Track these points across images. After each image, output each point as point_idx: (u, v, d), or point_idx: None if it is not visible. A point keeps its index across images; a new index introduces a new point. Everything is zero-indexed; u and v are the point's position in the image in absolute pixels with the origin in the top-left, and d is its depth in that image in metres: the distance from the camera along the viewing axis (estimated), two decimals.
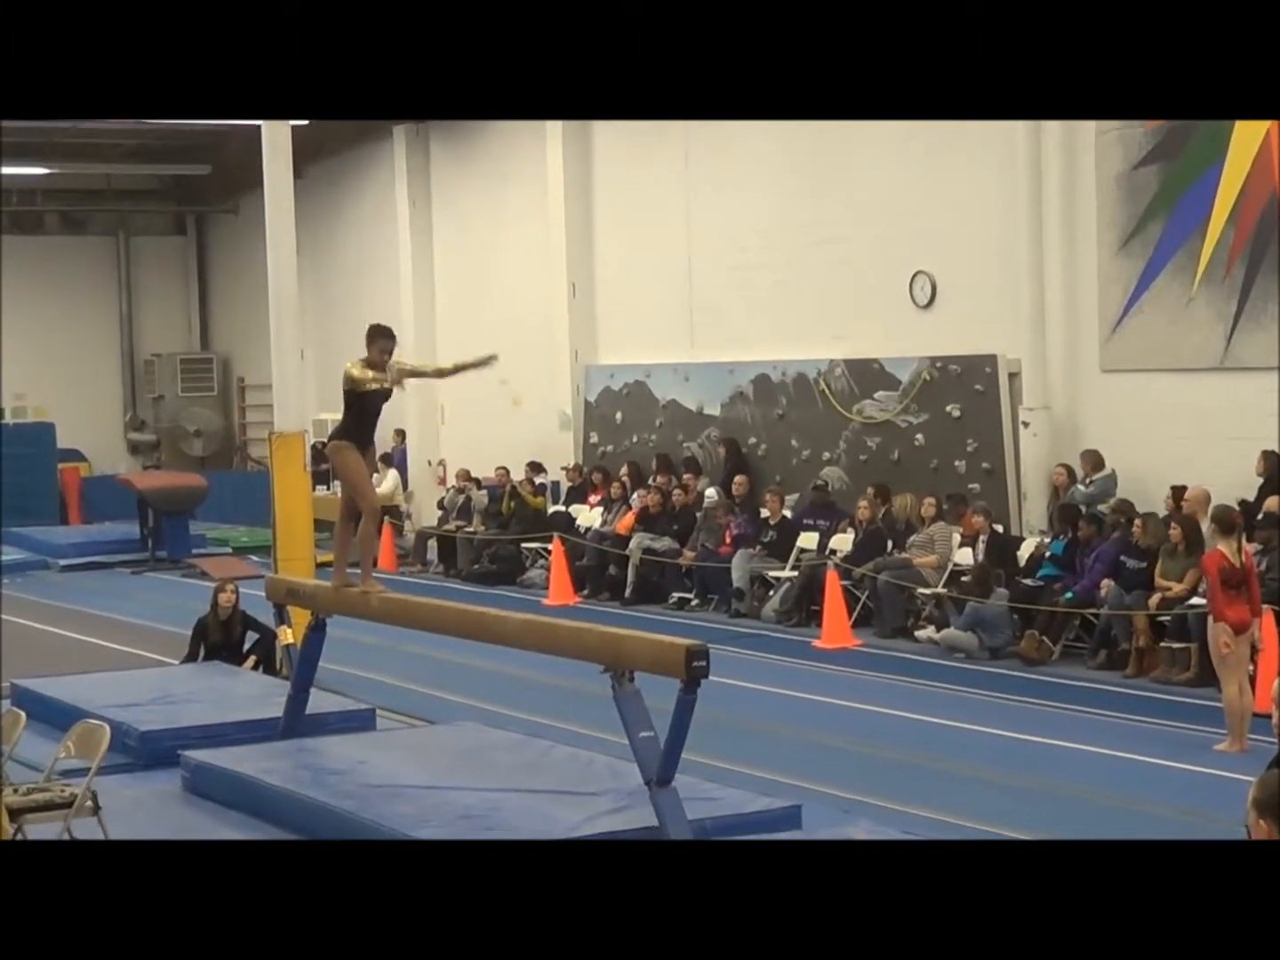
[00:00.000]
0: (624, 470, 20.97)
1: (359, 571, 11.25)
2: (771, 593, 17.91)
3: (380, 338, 10.89)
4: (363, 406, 10.88)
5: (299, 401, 15.17)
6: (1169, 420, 15.58)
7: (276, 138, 15.10)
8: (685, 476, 20.17)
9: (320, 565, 11.38)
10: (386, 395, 11.00)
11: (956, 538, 16.56)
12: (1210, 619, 11.96)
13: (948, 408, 17.48)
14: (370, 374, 10.75)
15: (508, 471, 22.26)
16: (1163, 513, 14.91)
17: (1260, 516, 14.11)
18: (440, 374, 12.65)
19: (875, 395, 18.33)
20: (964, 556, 16.34)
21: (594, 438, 22.27)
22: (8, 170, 29.07)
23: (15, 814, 8.72)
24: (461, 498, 22.72)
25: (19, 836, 8.77)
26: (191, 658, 14.24)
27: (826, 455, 18.96)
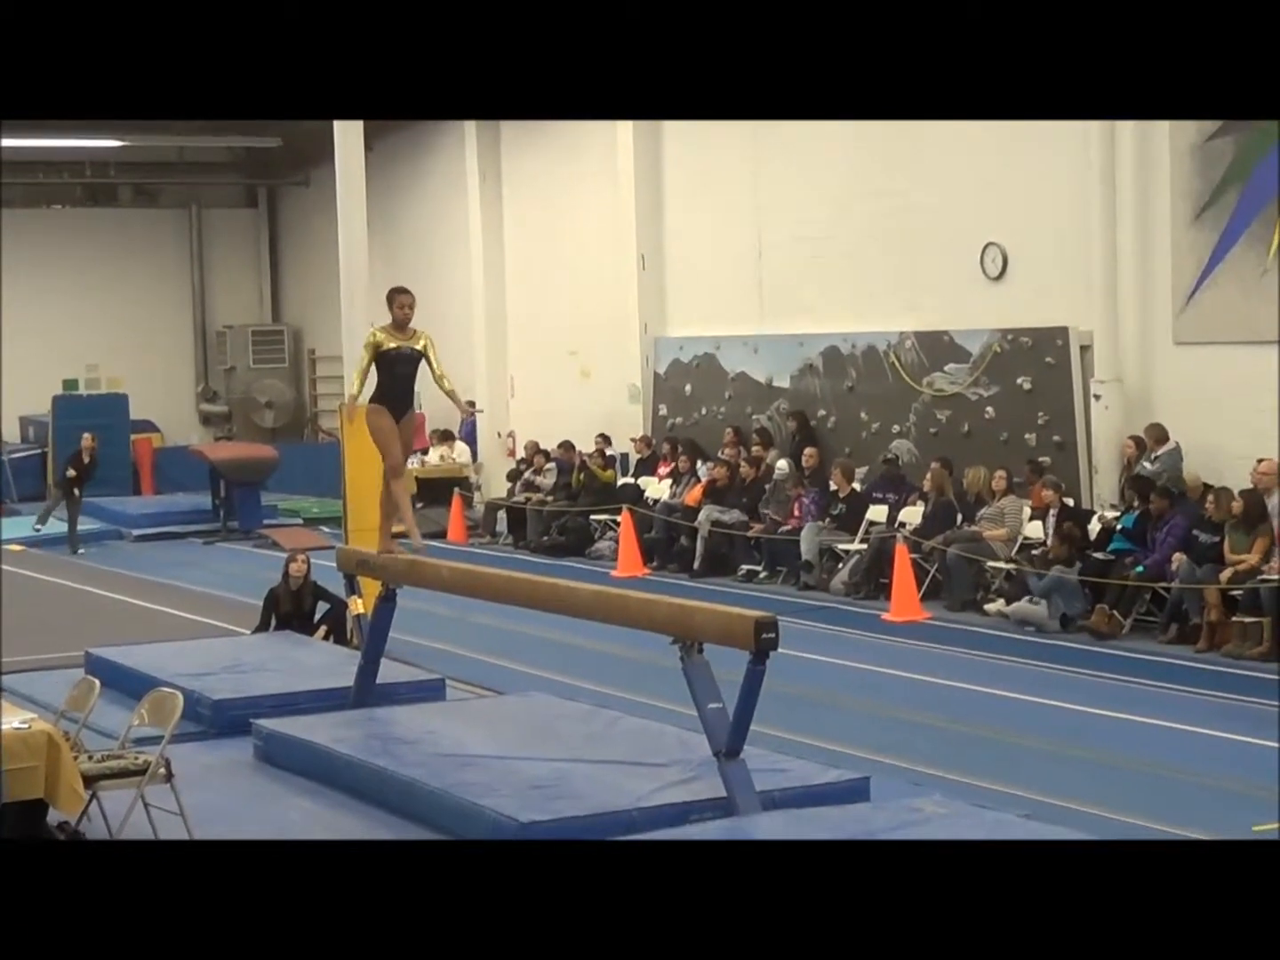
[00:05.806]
0: (682, 448, 20.88)
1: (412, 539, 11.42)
2: (840, 565, 17.87)
3: (396, 295, 11.12)
4: (389, 369, 11.07)
5: None
6: (1242, 393, 15.42)
7: None
8: (755, 448, 20.14)
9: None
10: (414, 358, 11.11)
11: (1027, 511, 16.50)
12: None
13: (1018, 380, 17.38)
14: (385, 335, 11.00)
15: (573, 447, 22.30)
16: (1238, 487, 14.80)
17: None
18: (435, 376, 11.27)
19: (945, 368, 18.25)
20: (1034, 530, 16.28)
21: (663, 410, 22.25)
22: (82, 143, 29.33)
23: (90, 781, 8.84)
24: (529, 470, 22.78)
25: (94, 803, 8.89)
26: (263, 627, 14.33)
27: (896, 428, 18.89)
